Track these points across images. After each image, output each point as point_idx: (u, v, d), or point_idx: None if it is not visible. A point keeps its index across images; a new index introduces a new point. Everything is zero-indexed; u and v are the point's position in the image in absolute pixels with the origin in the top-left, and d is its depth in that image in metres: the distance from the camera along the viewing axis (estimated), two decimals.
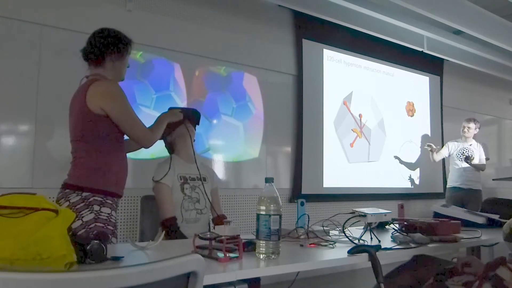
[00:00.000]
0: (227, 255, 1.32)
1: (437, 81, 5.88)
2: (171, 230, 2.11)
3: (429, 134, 5.66)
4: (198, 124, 2.45)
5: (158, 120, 2.11)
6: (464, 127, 4.87)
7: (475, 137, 4.90)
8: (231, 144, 3.91)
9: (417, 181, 5.46)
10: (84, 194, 1.80)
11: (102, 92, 1.82)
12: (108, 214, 1.83)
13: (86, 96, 1.81)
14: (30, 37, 2.97)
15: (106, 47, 1.90)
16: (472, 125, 4.83)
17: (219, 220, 2.32)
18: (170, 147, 2.38)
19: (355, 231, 1.84)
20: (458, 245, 1.91)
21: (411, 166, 5.40)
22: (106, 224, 1.81)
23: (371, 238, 1.78)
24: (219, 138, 3.85)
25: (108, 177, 1.85)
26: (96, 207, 1.80)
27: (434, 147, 4.98)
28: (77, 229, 1.71)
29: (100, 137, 1.83)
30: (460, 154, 4.84)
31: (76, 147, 1.89)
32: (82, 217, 1.76)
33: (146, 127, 1.96)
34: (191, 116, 2.39)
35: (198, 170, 2.30)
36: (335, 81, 4.66)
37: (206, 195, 2.32)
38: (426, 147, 5.01)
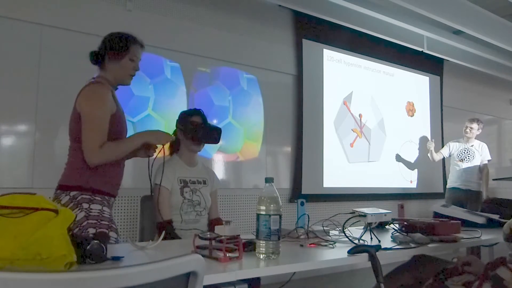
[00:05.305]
0: (227, 255, 1.32)
1: (437, 81, 5.88)
2: (167, 233, 2.10)
3: (429, 134, 5.66)
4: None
5: (131, 137, 1.89)
6: (466, 127, 4.84)
7: (477, 137, 4.89)
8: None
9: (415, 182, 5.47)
10: (72, 193, 1.80)
11: (85, 93, 1.84)
12: (99, 210, 1.82)
13: (77, 98, 1.85)
14: (30, 37, 2.97)
15: (104, 49, 1.92)
16: (475, 125, 4.81)
17: (215, 223, 2.31)
18: (176, 144, 2.37)
19: (355, 231, 1.84)
20: (458, 245, 1.91)
21: (411, 165, 5.40)
22: (99, 220, 1.79)
23: (371, 238, 1.77)
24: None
25: (94, 176, 1.83)
26: (85, 205, 1.79)
27: (433, 148, 4.97)
28: (71, 229, 1.71)
29: None
30: (460, 154, 4.84)
31: (69, 147, 1.91)
32: None
33: (98, 142, 1.77)
34: (210, 141, 2.35)
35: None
36: (335, 81, 4.67)
37: (206, 197, 2.33)
38: (428, 145, 4.99)
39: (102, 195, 1.86)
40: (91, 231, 1.74)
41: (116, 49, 1.91)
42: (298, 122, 4.34)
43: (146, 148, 1.94)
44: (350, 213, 1.82)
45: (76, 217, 1.74)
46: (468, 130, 4.82)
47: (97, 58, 1.92)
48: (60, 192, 1.82)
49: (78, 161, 1.83)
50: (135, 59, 1.95)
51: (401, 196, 4.89)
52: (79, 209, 1.77)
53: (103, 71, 1.93)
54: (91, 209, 1.80)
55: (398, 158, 5.25)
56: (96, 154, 1.76)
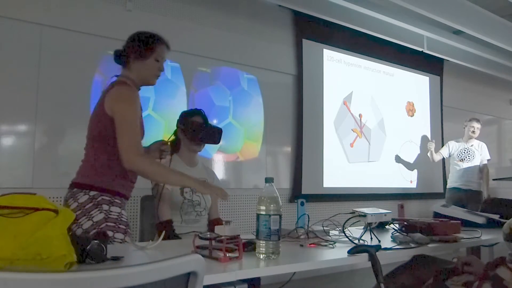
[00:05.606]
0: (227, 255, 1.32)
1: (437, 81, 5.88)
2: (166, 233, 2.09)
3: (429, 134, 5.66)
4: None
5: (183, 176, 1.82)
6: (473, 127, 4.81)
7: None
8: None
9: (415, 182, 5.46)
10: (92, 193, 1.76)
11: (116, 95, 1.79)
12: (118, 213, 1.79)
13: (105, 98, 1.79)
14: (30, 37, 2.97)
15: (129, 48, 1.88)
16: (479, 125, 4.82)
17: (215, 223, 2.30)
18: (176, 144, 2.37)
19: (355, 231, 1.84)
20: (458, 245, 1.91)
21: (410, 166, 5.40)
22: (117, 224, 1.77)
23: (371, 238, 1.77)
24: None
25: (115, 178, 1.81)
26: (105, 207, 1.75)
27: (432, 148, 4.97)
28: (88, 230, 1.69)
29: (112, 139, 1.77)
30: (461, 154, 4.84)
31: (88, 145, 1.85)
32: (92, 217, 1.72)
33: (138, 144, 1.75)
34: (210, 142, 2.38)
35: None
36: (335, 81, 4.67)
37: (206, 197, 2.33)
38: (429, 145, 4.98)
39: (120, 197, 1.84)
40: (109, 234, 1.70)
41: (142, 48, 1.88)
42: (298, 122, 4.34)
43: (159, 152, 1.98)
44: (350, 213, 1.82)
45: (93, 217, 1.72)
46: (475, 130, 4.80)
47: (122, 57, 1.88)
48: (78, 191, 1.77)
49: (100, 162, 1.79)
50: (160, 60, 1.92)
51: (401, 196, 4.89)
52: (98, 210, 1.74)
53: (127, 70, 1.89)
54: (111, 211, 1.76)
55: (398, 159, 5.25)
56: (137, 159, 1.71)
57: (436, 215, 2.41)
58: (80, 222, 1.71)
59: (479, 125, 4.82)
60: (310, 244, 1.66)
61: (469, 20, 4.34)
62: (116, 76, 1.91)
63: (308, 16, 4.26)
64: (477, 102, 6.26)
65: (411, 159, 5.42)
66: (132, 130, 1.75)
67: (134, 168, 1.75)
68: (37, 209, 1.17)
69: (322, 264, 1.58)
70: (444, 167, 5.67)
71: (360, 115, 4.88)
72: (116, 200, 1.81)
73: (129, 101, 1.80)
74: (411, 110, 5.53)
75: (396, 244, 1.70)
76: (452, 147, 4.93)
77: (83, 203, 1.74)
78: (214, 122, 3.77)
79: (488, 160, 4.87)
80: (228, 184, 3.88)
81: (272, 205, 1.39)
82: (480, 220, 2.30)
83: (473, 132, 4.82)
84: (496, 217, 2.32)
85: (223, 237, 1.34)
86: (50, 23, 3.04)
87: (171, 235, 2.12)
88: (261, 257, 1.37)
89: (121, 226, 1.78)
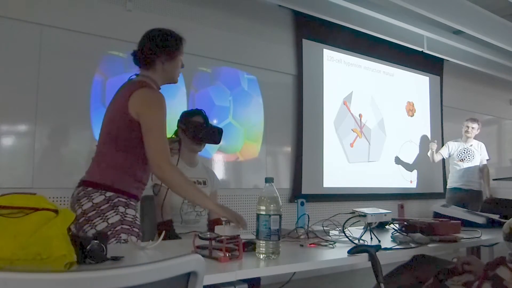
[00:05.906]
0: (227, 255, 1.32)
1: (437, 81, 5.88)
2: (167, 233, 2.09)
3: (429, 134, 5.66)
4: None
5: (206, 198, 1.77)
6: (468, 127, 4.82)
7: (475, 137, 4.90)
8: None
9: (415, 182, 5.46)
10: (108, 194, 1.72)
11: (143, 98, 1.75)
12: (133, 216, 1.77)
13: (129, 99, 1.74)
14: (30, 37, 2.97)
15: (154, 49, 1.82)
16: (476, 125, 4.82)
17: (215, 223, 2.30)
18: (178, 143, 2.35)
19: (355, 231, 1.84)
20: (458, 245, 1.91)
21: (410, 167, 5.40)
22: (132, 226, 1.75)
23: (371, 238, 1.77)
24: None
25: (131, 180, 1.79)
26: (121, 209, 1.73)
27: (434, 148, 4.97)
28: (103, 231, 1.66)
29: (132, 141, 1.74)
30: (460, 154, 4.84)
31: (104, 144, 1.81)
32: (108, 218, 1.70)
33: (168, 151, 1.72)
34: (211, 142, 2.39)
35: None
36: (335, 81, 4.67)
37: None
38: (431, 146, 4.97)
39: (135, 199, 1.82)
40: (124, 236, 1.70)
41: (172, 48, 1.84)
42: (298, 122, 4.34)
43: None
44: (350, 213, 1.82)
45: (109, 219, 1.70)
46: (470, 130, 4.81)
47: (148, 59, 1.82)
48: (93, 190, 1.73)
49: (118, 163, 1.76)
50: (182, 56, 1.90)
51: (401, 196, 4.88)
52: (114, 212, 1.71)
53: (150, 71, 1.84)
54: (127, 213, 1.74)
55: (397, 160, 5.25)
56: (167, 167, 1.68)
57: (436, 215, 2.41)
58: (94, 223, 1.69)
59: (475, 125, 4.81)
60: (310, 244, 1.66)
61: (469, 20, 4.34)
62: (136, 75, 1.87)
63: (308, 16, 4.26)
64: (477, 102, 6.26)
65: (411, 159, 5.42)
66: (162, 136, 1.73)
67: (163, 174, 1.69)
68: (37, 209, 1.17)
69: (322, 264, 1.58)
70: (444, 167, 5.67)
71: (360, 115, 4.88)
72: (131, 203, 1.79)
73: (159, 106, 1.76)
74: (411, 110, 5.53)
75: (396, 244, 1.70)
76: (451, 148, 4.93)
77: (99, 204, 1.71)
78: (214, 122, 3.77)
79: (487, 160, 4.88)
80: (228, 184, 3.89)
81: (272, 205, 1.39)
82: (480, 220, 2.30)
83: (466, 131, 4.83)
84: (496, 217, 2.32)
85: (223, 237, 1.34)
86: (50, 23, 3.04)
87: (171, 235, 2.12)
88: (261, 257, 1.37)
89: (135, 229, 1.76)
